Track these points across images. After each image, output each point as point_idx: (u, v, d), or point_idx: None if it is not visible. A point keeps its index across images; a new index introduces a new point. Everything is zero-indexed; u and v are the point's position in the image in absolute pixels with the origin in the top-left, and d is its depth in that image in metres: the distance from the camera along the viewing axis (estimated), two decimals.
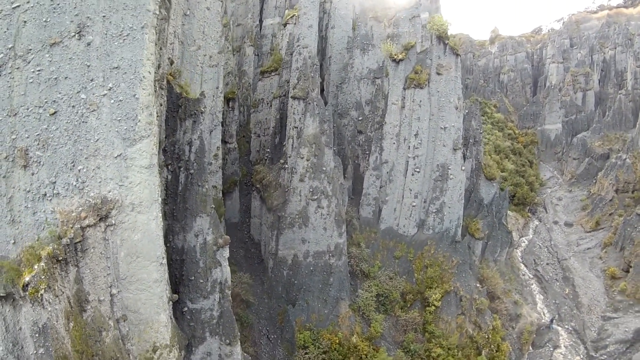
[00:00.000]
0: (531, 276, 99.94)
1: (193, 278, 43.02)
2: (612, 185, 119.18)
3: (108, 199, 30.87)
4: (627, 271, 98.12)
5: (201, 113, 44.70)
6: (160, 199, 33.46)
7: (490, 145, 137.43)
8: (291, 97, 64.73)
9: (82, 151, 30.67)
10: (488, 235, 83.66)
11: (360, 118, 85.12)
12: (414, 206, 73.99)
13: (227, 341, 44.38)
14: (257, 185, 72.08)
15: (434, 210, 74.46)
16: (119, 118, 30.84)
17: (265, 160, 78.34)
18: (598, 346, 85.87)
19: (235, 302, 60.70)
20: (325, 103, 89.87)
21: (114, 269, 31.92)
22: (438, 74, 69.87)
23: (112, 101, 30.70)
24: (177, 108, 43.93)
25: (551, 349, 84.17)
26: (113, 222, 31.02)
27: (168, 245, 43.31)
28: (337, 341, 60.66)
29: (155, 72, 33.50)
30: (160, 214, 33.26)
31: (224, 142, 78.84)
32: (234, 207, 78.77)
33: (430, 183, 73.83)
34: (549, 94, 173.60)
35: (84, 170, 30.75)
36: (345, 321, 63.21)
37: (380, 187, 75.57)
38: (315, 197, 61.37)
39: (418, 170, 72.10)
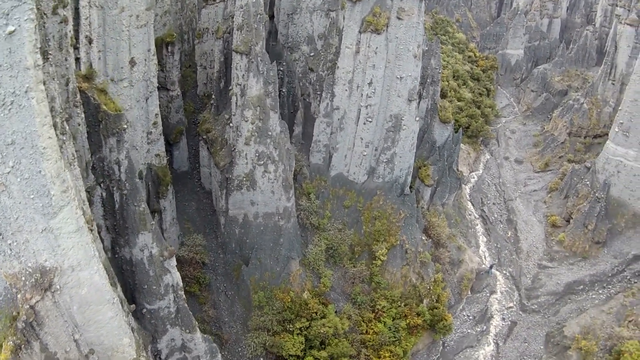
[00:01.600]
0: (477, 216, 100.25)
1: (146, 286, 42.00)
2: (566, 128, 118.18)
3: (46, 268, 28.92)
4: (568, 221, 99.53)
5: (124, 130, 39.18)
6: (97, 255, 31.50)
7: (449, 69, 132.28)
8: (233, 49, 57.23)
9: (6, 228, 27.56)
10: (437, 181, 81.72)
11: (312, 54, 78.22)
12: (364, 155, 70.24)
13: (187, 330, 45.32)
14: (204, 137, 66.48)
15: (384, 160, 71.03)
16: (31, 195, 26.65)
17: (212, 106, 71.70)
18: (531, 295, 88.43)
19: (192, 266, 59.51)
20: (276, 32, 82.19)
21: (71, 321, 31.22)
22: (399, 18, 63.01)
23: (18, 179, 25.91)
24: (98, 122, 38.51)
25: (488, 294, 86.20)
26: (58, 287, 29.54)
27: (116, 257, 42.45)
28: (289, 299, 60.67)
29: (61, 123, 28.74)
30: (102, 268, 31.62)
31: (165, 89, 72.13)
32: (182, 156, 73.71)
33: (383, 132, 69.64)
34: (515, 17, 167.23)
35: (14, 243, 28.07)
36: (296, 278, 62.62)
37: (331, 134, 70.97)
38: (262, 162, 56.71)
39: (370, 119, 67.47)
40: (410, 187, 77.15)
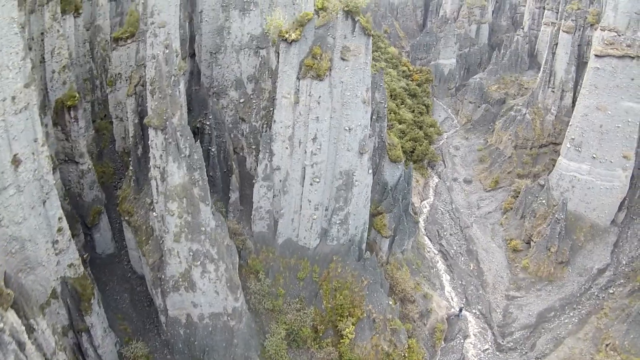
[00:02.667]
0: (436, 252, 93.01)
1: None
2: (511, 141, 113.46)
3: None
4: (528, 243, 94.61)
5: None
6: None
7: (386, 87, 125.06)
8: (145, 122, 45.79)
9: None
10: (395, 229, 73.26)
11: (242, 100, 67.80)
12: (314, 219, 60.45)
13: None
14: (126, 218, 54.55)
15: (337, 222, 61.64)
16: None
17: (130, 178, 59.69)
18: (505, 332, 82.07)
19: None
20: (199, 74, 71.03)
21: None
22: (343, 59, 53.73)
23: None
24: None
25: (462, 340, 79.02)
26: None
27: None
28: None
29: None
30: None
31: (73, 162, 60.07)
32: (104, 238, 62.61)
33: (333, 192, 60.12)
34: (444, 26, 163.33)
35: None
36: None
37: (273, 197, 60.66)
38: (198, 261, 45.46)
39: (318, 180, 57.64)
40: (367, 242, 68.44)
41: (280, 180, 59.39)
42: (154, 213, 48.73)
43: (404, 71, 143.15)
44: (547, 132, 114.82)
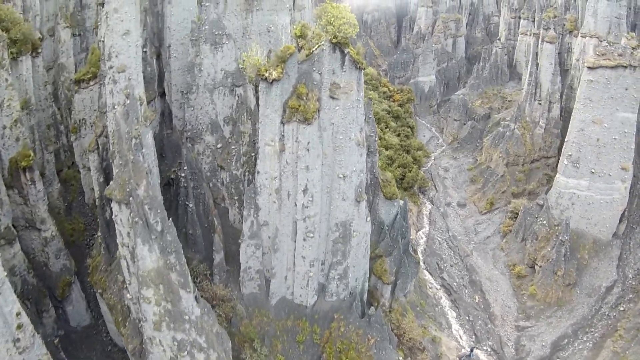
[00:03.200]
0: (438, 287, 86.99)
1: None
2: (502, 159, 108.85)
3: None
4: (532, 267, 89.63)
5: None
6: None
7: None
8: (106, 193, 39.21)
9: None
10: (396, 273, 67.19)
11: (219, 145, 61.41)
12: (310, 276, 54.02)
13: None
14: (99, 291, 47.55)
15: (336, 277, 55.32)
16: None
17: (100, 245, 52.74)
18: None
19: None
20: (170, 115, 64.54)
21: None
22: (333, 98, 47.87)
23: None
24: None
25: None
26: None
27: None
28: None
29: None
30: None
31: (35, 229, 53.25)
32: (78, 309, 56.31)
33: (329, 245, 53.84)
34: (420, 42, 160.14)
35: None
36: None
37: (263, 255, 54.13)
38: (185, 351, 38.52)
39: (312, 234, 51.28)
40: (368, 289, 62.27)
41: (270, 237, 52.97)
42: (128, 295, 41.86)
43: (384, 92, 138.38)
44: (537, 146, 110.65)
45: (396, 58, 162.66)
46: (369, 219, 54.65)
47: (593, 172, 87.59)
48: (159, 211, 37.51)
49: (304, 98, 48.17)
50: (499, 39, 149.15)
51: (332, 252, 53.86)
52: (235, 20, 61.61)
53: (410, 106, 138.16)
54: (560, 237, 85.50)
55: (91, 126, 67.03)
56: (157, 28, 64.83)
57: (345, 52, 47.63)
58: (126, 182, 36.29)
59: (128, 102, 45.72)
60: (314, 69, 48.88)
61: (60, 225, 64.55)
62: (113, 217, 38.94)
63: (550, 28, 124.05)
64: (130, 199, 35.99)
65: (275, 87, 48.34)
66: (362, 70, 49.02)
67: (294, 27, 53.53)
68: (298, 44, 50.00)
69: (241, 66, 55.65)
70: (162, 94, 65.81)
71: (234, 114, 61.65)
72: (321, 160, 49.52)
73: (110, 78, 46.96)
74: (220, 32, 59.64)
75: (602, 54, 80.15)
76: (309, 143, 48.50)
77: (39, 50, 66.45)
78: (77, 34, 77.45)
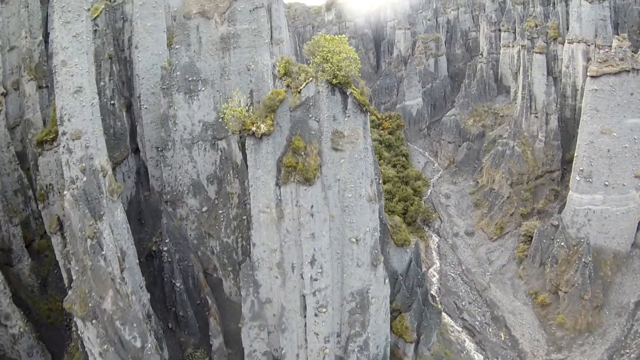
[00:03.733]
0: (460, 329, 79.56)
1: None
2: (506, 179, 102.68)
3: None
4: (555, 293, 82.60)
5: None
6: None
7: None
8: (65, 307, 31.78)
9: None
10: (418, 327, 59.76)
11: (204, 209, 54.64)
12: (326, 352, 46.50)
13: None
14: None
15: (356, 349, 47.76)
16: None
17: (74, 345, 45.03)
18: None
19: None
20: (146, 174, 57.52)
21: None
22: (336, 149, 41.32)
23: None
24: None
25: None
26: None
27: None
28: None
29: None
30: None
31: (2, 325, 45.93)
32: None
33: (344, 316, 46.47)
34: (401, 65, 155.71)
35: None
36: None
37: (269, 334, 46.61)
38: None
39: (324, 309, 43.99)
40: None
41: (275, 315, 45.61)
42: None
43: (372, 120, 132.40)
44: (540, 161, 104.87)
45: (379, 84, 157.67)
46: (387, 280, 47.50)
47: (607, 185, 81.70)
48: (134, 325, 30.10)
49: (302, 153, 41.34)
50: (481, 54, 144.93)
51: (349, 323, 46.49)
52: (212, 61, 55.43)
53: (401, 133, 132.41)
54: (583, 259, 79.16)
55: (59, 192, 59.88)
56: (125, 76, 58.46)
57: (347, 93, 40.97)
58: (87, 295, 28.91)
59: (84, 179, 38.71)
60: (311, 115, 42.14)
61: (35, 307, 57.25)
62: (79, 332, 31.34)
63: (535, 38, 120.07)
64: (96, 312, 28.59)
65: (266, 142, 41.41)
66: (368, 113, 42.39)
67: (277, 63, 46.87)
68: (284, 84, 43.40)
69: (221, 119, 48.95)
70: (137, 150, 58.98)
71: (219, 172, 54.92)
72: (328, 225, 42.43)
73: (64, 147, 40.02)
74: (194, 78, 53.27)
75: (604, 61, 74.86)
76: (312, 207, 41.41)
77: (0, 108, 59.96)
78: (43, 86, 70.50)
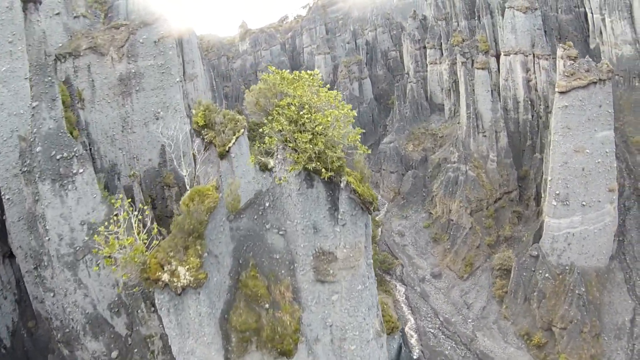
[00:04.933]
0: None
1: None
2: (465, 208, 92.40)
3: None
4: (549, 330, 73.08)
5: None
6: None
7: None
8: None
9: None
10: None
11: (114, 355, 37.84)
12: None
13: None
14: None
15: None
16: None
17: None
18: None
19: None
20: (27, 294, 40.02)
21: None
22: (323, 282, 25.11)
23: None
24: None
25: None
26: None
27: None
28: None
29: None
30: None
31: None
32: None
33: None
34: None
35: None
36: None
37: None
38: None
39: None
40: None
41: None
42: None
43: None
44: (495, 183, 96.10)
45: None
46: None
47: (584, 205, 74.11)
48: None
49: (263, 302, 24.92)
50: (407, 73, 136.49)
51: None
52: (109, 110, 39.11)
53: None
54: (576, 291, 70.30)
55: None
56: None
57: (342, 185, 25.43)
58: None
59: None
60: (269, 226, 26.32)
61: None
62: None
63: (466, 52, 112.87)
64: None
65: (194, 299, 23.17)
66: (371, 213, 26.97)
67: (194, 110, 30.78)
68: (206, 138, 27.87)
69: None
70: (10, 255, 41.14)
71: (127, 298, 37.85)
72: None
73: None
74: (65, 154, 36.17)
75: (571, 74, 66.17)
76: None
77: None
78: None
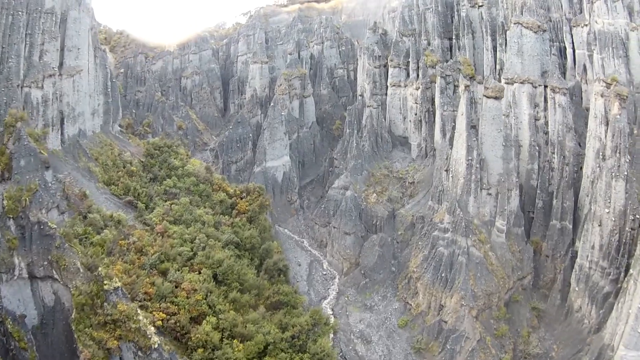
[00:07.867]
0: None
1: None
2: (468, 309, 55.49)
3: None
4: None
5: None
6: None
7: (209, 265, 58.04)
8: None
9: None
10: None
11: None
12: None
13: None
14: None
15: None
16: None
17: None
18: None
19: None
20: None
21: None
22: None
23: None
24: None
25: None
26: None
27: None
28: None
29: None
30: None
31: None
32: None
33: None
34: (256, 108, 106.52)
35: None
36: None
37: None
38: None
39: None
40: None
41: None
42: None
43: (222, 201, 77.41)
44: (508, 266, 60.29)
45: (229, 135, 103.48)
46: None
47: None
48: None
49: None
50: (361, 95, 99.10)
51: None
52: None
53: (266, 214, 79.18)
54: None
55: None
56: None
57: None
58: None
59: None
60: None
61: None
62: None
63: (448, 76, 78.00)
64: None
65: None
66: None
67: None
68: None
69: None
70: None
71: None
72: None
73: None
74: None
75: None
76: None
77: None
78: None
